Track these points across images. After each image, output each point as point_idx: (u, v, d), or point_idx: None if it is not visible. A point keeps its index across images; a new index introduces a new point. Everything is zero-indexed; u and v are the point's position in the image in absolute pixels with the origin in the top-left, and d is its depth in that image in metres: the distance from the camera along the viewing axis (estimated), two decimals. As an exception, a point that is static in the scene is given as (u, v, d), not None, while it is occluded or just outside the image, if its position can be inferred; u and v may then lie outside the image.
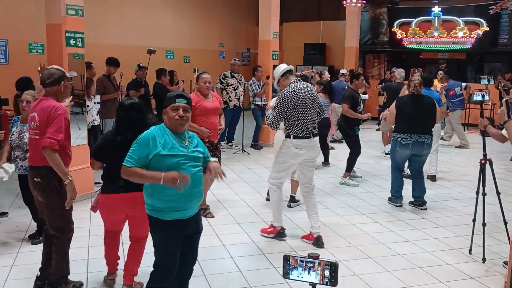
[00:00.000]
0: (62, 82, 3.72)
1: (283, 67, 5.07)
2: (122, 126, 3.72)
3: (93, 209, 3.97)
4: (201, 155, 3.26)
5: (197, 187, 3.20)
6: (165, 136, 3.11)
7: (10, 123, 4.98)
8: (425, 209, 6.23)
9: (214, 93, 5.97)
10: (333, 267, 1.82)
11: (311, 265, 1.84)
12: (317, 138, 4.99)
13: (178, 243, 3.19)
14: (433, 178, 7.78)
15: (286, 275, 1.91)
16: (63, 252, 3.78)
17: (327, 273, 1.82)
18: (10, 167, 4.68)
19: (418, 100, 6.21)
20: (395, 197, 6.42)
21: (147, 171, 3.05)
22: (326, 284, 1.83)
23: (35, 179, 3.68)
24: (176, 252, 3.19)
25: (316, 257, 1.83)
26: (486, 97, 4.79)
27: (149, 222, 3.20)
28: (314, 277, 1.85)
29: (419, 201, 6.30)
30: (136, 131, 3.34)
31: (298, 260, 1.85)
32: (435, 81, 9.82)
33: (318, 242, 4.94)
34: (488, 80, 7.37)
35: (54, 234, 3.73)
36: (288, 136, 4.88)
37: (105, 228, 4.00)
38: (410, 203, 6.37)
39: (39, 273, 3.93)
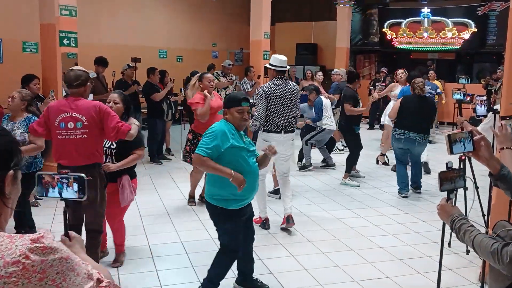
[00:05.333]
0: (88, 83, 3.89)
1: (281, 63, 5.29)
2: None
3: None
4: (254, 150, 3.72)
5: (256, 177, 3.68)
6: (233, 131, 3.54)
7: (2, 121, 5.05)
8: (419, 192, 6.91)
9: (215, 93, 6.30)
10: (81, 180, 1.84)
11: (66, 181, 1.84)
12: (289, 135, 5.31)
13: (241, 227, 3.69)
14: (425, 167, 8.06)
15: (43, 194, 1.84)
16: (99, 246, 4.05)
17: (76, 186, 1.84)
18: None
19: (421, 100, 6.68)
20: (400, 188, 6.85)
21: (220, 166, 3.45)
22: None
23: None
24: (240, 235, 3.69)
25: (66, 172, 1.85)
26: (463, 96, 4.99)
27: (212, 211, 3.66)
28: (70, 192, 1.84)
29: (414, 186, 6.95)
30: None
31: (55, 178, 1.84)
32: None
33: (288, 220, 5.30)
34: (466, 80, 7.64)
35: (98, 230, 3.96)
36: (260, 129, 5.31)
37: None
38: (410, 187, 6.98)
39: None
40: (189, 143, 6.11)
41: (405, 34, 15.54)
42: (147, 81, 8.91)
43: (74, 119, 3.74)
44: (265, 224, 5.43)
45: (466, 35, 14.77)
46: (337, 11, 15.64)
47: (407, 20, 15.55)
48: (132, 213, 4.13)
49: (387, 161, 8.93)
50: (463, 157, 4.89)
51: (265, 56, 10.84)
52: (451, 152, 2.30)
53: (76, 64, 6.67)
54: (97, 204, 3.87)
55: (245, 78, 10.40)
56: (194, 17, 15.52)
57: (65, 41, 6.30)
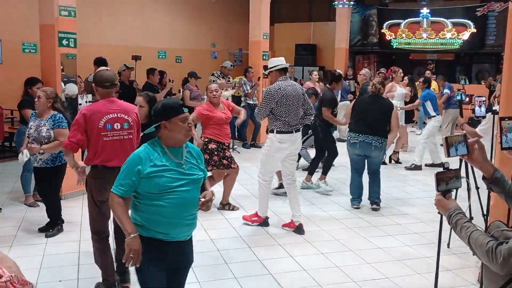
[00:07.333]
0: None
1: (281, 61, 5.29)
2: None
3: None
4: (200, 174, 2.79)
5: (189, 211, 2.76)
6: (157, 153, 2.68)
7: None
8: (376, 209, 6.17)
9: (225, 101, 6.23)
10: None
11: None
12: (299, 133, 5.32)
13: (159, 269, 2.75)
14: (416, 167, 8.02)
15: None
16: None
17: None
18: (27, 155, 4.90)
19: (375, 101, 6.16)
20: (352, 198, 6.33)
21: (126, 218, 2.64)
22: None
23: None
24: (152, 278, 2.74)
25: None
26: (463, 97, 5.01)
27: None
28: None
29: (372, 203, 6.24)
30: None
31: None
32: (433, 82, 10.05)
33: (299, 229, 5.29)
34: (465, 81, 7.65)
35: None
36: (271, 131, 5.22)
37: None
38: (369, 204, 6.31)
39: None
40: (215, 153, 5.88)
41: (404, 35, 15.55)
42: (147, 82, 8.91)
43: (121, 119, 3.77)
44: (266, 222, 5.51)
45: (465, 35, 14.79)
46: (336, 11, 15.67)
47: (406, 20, 15.58)
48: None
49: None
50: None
51: (264, 57, 10.84)
52: (448, 154, 2.33)
53: (75, 65, 6.68)
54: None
55: (244, 79, 10.39)
56: (193, 17, 15.53)
57: (64, 42, 6.29)
